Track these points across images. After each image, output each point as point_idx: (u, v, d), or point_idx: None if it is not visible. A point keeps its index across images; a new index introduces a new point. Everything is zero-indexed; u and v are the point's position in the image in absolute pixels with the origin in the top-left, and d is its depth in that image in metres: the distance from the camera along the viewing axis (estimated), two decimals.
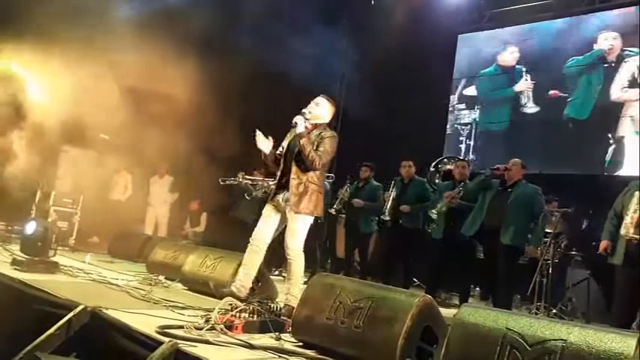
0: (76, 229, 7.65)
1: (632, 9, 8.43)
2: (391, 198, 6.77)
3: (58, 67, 6.63)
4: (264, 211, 4.24)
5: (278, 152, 4.25)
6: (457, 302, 6.33)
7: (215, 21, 7.76)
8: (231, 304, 3.37)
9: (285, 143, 4.23)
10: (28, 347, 2.97)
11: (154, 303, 3.88)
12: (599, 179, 7.89)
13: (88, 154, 8.47)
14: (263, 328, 3.25)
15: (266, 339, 3.13)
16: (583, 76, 8.89)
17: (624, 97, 8.36)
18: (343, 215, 7.68)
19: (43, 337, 3.02)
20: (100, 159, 8.41)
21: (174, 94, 7.50)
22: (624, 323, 4.16)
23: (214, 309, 3.27)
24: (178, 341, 2.70)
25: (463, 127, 10.32)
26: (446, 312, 3.26)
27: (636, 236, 4.09)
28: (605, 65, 8.69)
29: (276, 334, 3.20)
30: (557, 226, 6.04)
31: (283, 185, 4.12)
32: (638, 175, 6.06)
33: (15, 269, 4.51)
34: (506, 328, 2.34)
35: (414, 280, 7.56)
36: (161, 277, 5.15)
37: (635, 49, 8.28)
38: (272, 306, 3.74)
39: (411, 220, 6.73)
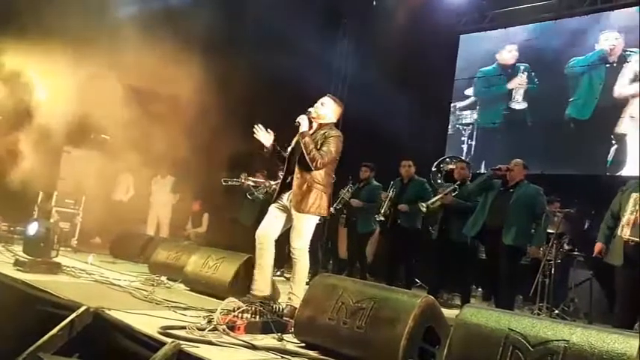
0: (78, 229, 7.66)
1: (634, 9, 8.42)
2: (388, 198, 6.77)
3: (60, 68, 6.64)
4: (269, 210, 4.24)
5: (285, 153, 4.26)
6: (459, 303, 6.32)
7: (218, 21, 7.77)
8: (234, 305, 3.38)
9: (293, 143, 4.23)
10: (31, 348, 2.98)
11: (157, 304, 3.88)
12: (601, 179, 7.88)
13: (90, 155, 8.48)
14: (265, 329, 3.25)
15: (268, 340, 3.13)
16: (585, 76, 8.89)
17: (625, 93, 8.37)
18: (344, 216, 7.69)
19: (45, 337, 3.02)
20: (102, 160, 8.42)
21: (177, 94, 7.52)
22: (627, 324, 4.15)
23: (216, 310, 3.27)
24: (181, 342, 2.70)
25: (465, 127, 10.33)
26: (448, 312, 3.26)
27: (634, 238, 4.06)
28: (607, 65, 8.69)
29: (279, 334, 3.20)
30: (559, 226, 6.03)
31: (288, 185, 4.13)
32: (638, 174, 6.06)
33: (17, 270, 4.52)
34: (509, 328, 2.34)
35: (417, 280, 7.56)
36: (163, 278, 5.15)
37: (637, 49, 8.28)
38: (274, 307, 3.74)
39: (410, 219, 6.72)
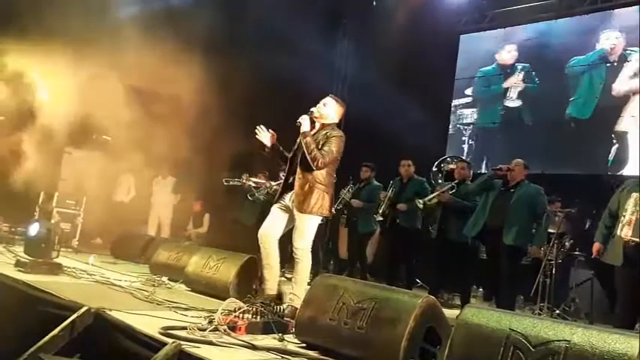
0: (79, 230, 7.66)
1: (634, 8, 8.42)
2: (387, 198, 6.77)
3: (62, 68, 6.65)
4: (271, 210, 4.25)
5: (288, 154, 4.27)
6: (460, 303, 6.32)
7: (219, 22, 7.77)
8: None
9: (296, 144, 4.24)
10: (32, 348, 2.98)
11: (158, 304, 3.88)
12: (602, 179, 7.87)
13: (91, 156, 8.48)
14: (266, 329, 3.25)
15: (269, 340, 3.13)
16: (585, 76, 8.89)
17: (623, 91, 8.37)
18: (345, 216, 7.70)
19: (46, 338, 3.03)
20: (104, 160, 8.42)
21: (178, 94, 7.52)
22: (627, 324, 4.14)
23: (217, 310, 3.27)
24: (182, 342, 2.70)
25: (465, 126, 10.33)
26: (449, 312, 3.26)
27: (635, 238, 4.04)
28: (608, 65, 8.69)
29: (280, 335, 3.20)
30: (560, 226, 6.03)
31: (290, 185, 4.13)
32: (639, 174, 6.06)
33: (19, 271, 4.52)
34: (510, 328, 2.34)
35: (417, 280, 7.56)
36: (164, 278, 5.15)
37: (637, 49, 8.28)
38: (275, 307, 3.74)
39: (409, 219, 6.71)
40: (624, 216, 4.15)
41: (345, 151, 4.14)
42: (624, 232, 4.10)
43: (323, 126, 4.15)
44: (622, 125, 8.30)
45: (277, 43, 8.63)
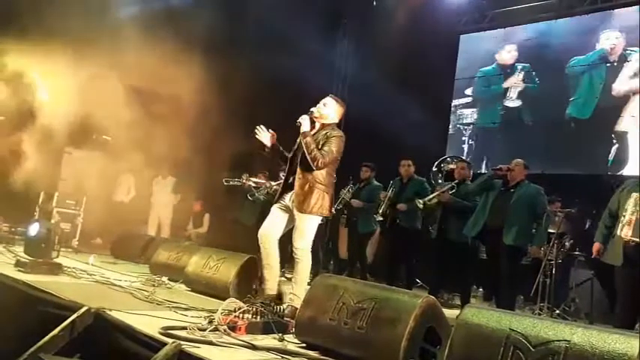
0: (79, 230, 7.66)
1: (635, 8, 8.42)
2: (387, 198, 6.77)
3: (62, 68, 6.64)
4: (271, 210, 4.25)
5: (288, 154, 4.27)
6: (460, 303, 6.32)
7: (219, 22, 7.77)
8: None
9: (296, 144, 4.24)
10: (32, 348, 2.98)
11: (158, 304, 3.88)
12: (602, 179, 7.87)
13: (91, 156, 8.48)
14: (266, 329, 3.25)
15: (269, 340, 3.13)
16: (585, 76, 8.89)
17: (622, 90, 8.38)
18: (345, 216, 7.70)
19: (46, 338, 3.03)
20: (104, 160, 8.42)
21: (178, 94, 7.52)
22: (627, 324, 4.14)
23: (217, 310, 3.27)
24: (182, 342, 2.70)
25: (465, 126, 10.33)
26: (449, 312, 3.26)
27: (635, 238, 4.03)
28: (608, 65, 8.69)
29: (280, 335, 3.20)
30: (560, 226, 6.03)
31: (290, 185, 4.14)
32: (639, 173, 6.05)
33: (19, 271, 4.52)
34: (510, 328, 2.34)
35: (417, 280, 7.56)
36: (164, 278, 5.15)
37: (637, 48, 8.28)
38: (275, 307, 3.74)
39: (409, 219, 6.71)
40: (624, 216, 4.14)
41: (345, 151, 4.14)
42: (624, 232, 4.09)
43: (323, 126, 4.15)
44: (622, 125, 8.30)
45: (277, 43, 8.64)
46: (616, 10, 8.80)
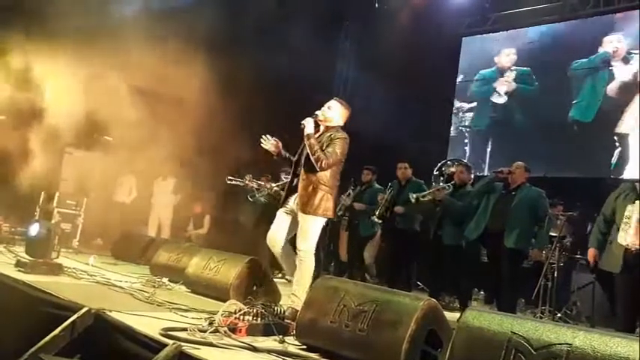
0: (79, 230, 7.66)
1: (637, 12, 8.42)
2: (385, 200, 6.76)
3: (65, 68, 6.65)
4: (277, 215, 4.27)
5: (293, 158, 4.29)
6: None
7: (221, 23, 7.77)
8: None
9: (301, 147, 4.25)
10: (33, 349, 2.98)
11: (158, 305, 3.88)
12: (604, 182, 7.85)
13: (92, 156, 8.48)
14: (267, 331, 3.24)
15: (270, 342, 3.12)
16: (588, 79, 8.88)
17: (616, 92, 8.41)
18: (346, 218, 7.69)
19: (47, 338, 3.03)
20: (104, 161, 8.42)
21: (180, 95, 7.52)
22: (628, 328, 4.12)
23: (218, 311, 3.27)
24: (182, 344, 2.70)
25: (467, 129, 10.33)
26: (450, 315, 3.25)
27: (637, 246, 3.98)
28: (611, 68, 8.68)
29: (280, 337, 3.19)
30: (562, 229, 6.02)
31: (294, 188, 4.14)
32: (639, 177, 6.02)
33: (19, 271, 4.52)
34: (511, 331, 2.33)
35: (418, 283, 7.55)
36: (164, 280, 5.13)
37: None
38: (276, 309, 3.73)
39: (407, 221, 6.70)
40: (626, 223, 4.08)
41: (347, 153, 4.14)
42: (629, 240, 4.03)
43: (327, 129, 4.16)
44: (623, 128, 8.30)
45: (279, 44, 8.64)
46: (618, 14, 8.80)
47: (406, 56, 9.74)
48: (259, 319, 3.32)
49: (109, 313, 3.18)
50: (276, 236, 4.17)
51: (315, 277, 4.10)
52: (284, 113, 5.54)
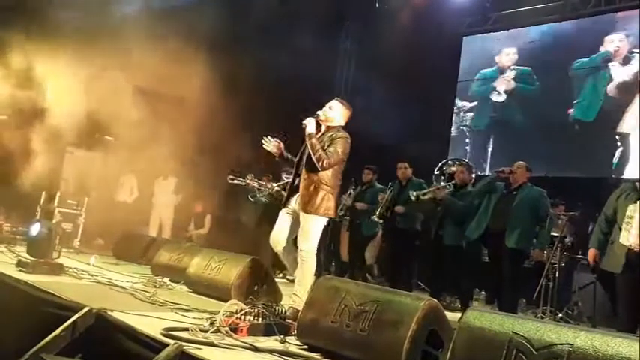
0: (80, 230, 7.66)
1: (638, 11, 8.41)
2: (385, 200, 6.75)
3: (66, 68, 6.65)
4: (279, 215, 4.27)
5: (295, 159, 4.29)
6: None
7: (222, 22, 7.77)
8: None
9: (302, 148, 4.25)
10: (34, 348, 2.98)
11: (159, 305, 3.88)
12: (605, 182, 7.85)
13: (93, 156, 8.48)
14: (268, 331, 3.25)
15: (271, 342, 3.12)
16: (589, 78, 8.88)
17: (616, 92, 8.41)
18: (347, 218, 7.69)
19: (48, 338, 3.03)
20: (106, 160, 8.42)
21: (181, 95, 7.52)
22: (630, 328, 4.11)
23: (219, 311, 3.27)
24: (183, 343, 2.70)
25: (468, 129, 10.33)
26: (451, 315, 3.25)
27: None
28: (612, 67, 8.67)
29: (281, 336, 3.19)
30: (563, 229, 6.01)
31: (296, 189, 4.14)
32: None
33: (20, 271, 4.53)
34: (513, 331, 2.33)
35: (419, 283, 7.54)
36: (166, 279, 5.14)
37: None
38: (277, 308, 3.73)
39: (408, 221, 6.69)
40: (628, 223, 4.07)
41: (348, 153, 4.14)
42: (632, 240, 4.01)
43: (329, 129, 4.16)
44: (624, 127, 8.29)
45: (280, 44, 8.64)
46: (620, 13, 8.80)
47: (407, 56, 9.73)
48: (260, 318, 3.32)
49: (110, 312, 3.18)
50: (278, 236, 4.17)
51: (317, 277, 4.11)
52: (285, 113, 5.54)
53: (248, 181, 7.57)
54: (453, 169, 7.50)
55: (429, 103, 9.54)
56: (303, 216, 4.00)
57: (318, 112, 4.14)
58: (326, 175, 4.03)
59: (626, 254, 4.04)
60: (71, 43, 6.42)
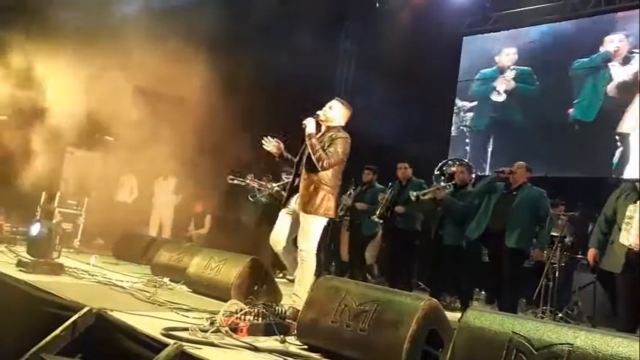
0: (80, 230, 7.66)
1: (638, 11, 8.41)
2: (385, 200, 6.76)
3: (66, 68, 6.65)
4: (279, 216, 4.27)
5: (295, 159, 4.30)
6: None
7: (221, 23, 7.77)
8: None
9: (302, 148, 4.26)
10: (34, 348, 2.98)
11: (159, 305, 3.88)
12: (605, 182, 7.84)
13: (93, 156, 8.48)
14: (268, 331, 3.25)
15: (271, 342, 3.12)
16: (589, 78, 8.88)
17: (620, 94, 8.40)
18: (347, 218, 7.69)
19: (48, 338, 3.03)
20: (106, 160, 8.41)
21: (180, 95, 7.52)
22: (630, 328, 4.11)
23: (219, 311, 3.27)
24: (183, 343, 2.70)
25: (468, 129, 10.33)
26: (451, 315, 3.25)
27: None
28: (612, 67, 8.67)
29: (281, 336, 3.19)
30: (563, 229, 6.01)
31: (296, 189, 4.14)
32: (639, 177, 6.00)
33: (20, 271, 4.53)
34: (513, 331, 2.33)
35: (419, 283, 7.54)
36: (166, 279, 5.14)
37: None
38: (277, 308, 3.73)
39: (408, 221, 6.69)
40: (628, 223, 4.06)
41: (348, 153, 4.14)
42: (632, 240, 3.99)
43: (329, 129, 4.16)
44: (625, 127, 8.29)
45: (279, 44, 8.64)
46: (620, 13, 8.80)
47: (407, 56, 9.73)
48: (260, 318, 3.32)
49: (110, 312, 3.18)
50: (278, 237, 4.18)
51: (316, 277, 4.11)
52: (285, 113, 5.54)
53: (248, 181, 7.57)
54: (453, 169, 7.49)
55: (429, 103, 9.54)
56: (303, 216, 4.00)
57: (318, 112, 4.15)
58: (326, 175, 4.03)
59: (626, 254, 4.04)
60: (71, 43, 6.42)
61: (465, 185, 6.33)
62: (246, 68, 8.54)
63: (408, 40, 9.87)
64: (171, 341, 2.70)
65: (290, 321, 3.50)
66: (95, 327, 3.14)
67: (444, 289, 6.57)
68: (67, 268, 4.87)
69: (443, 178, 7.54)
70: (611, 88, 8.58)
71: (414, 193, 6.29)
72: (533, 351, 2.23)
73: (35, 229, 5.09)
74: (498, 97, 9.93)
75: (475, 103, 10.31)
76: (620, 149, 8.27)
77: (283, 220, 4.21)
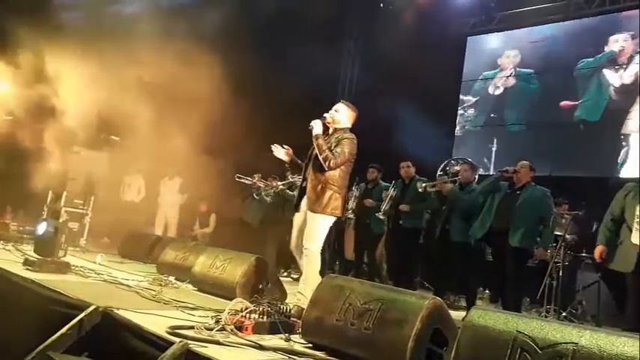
0: (87, 229, 7.70)
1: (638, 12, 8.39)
2: (389, 197, 6.75)
3: (72, 68, 6.67)
4: (293, 221, 4.31)
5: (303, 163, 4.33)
6: (465, 304, 6.29)
7: (228, 23, 7.79)
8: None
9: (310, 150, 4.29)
10: (40, 347, 3.00)
11: (165, 303, 3.90)
12: (609, 181, 7.82)
13: (99, 156, 8.51)
14: (273, 329, 3.26)
15: (276, 340, 3.14)
16: (594, 78, 8.86)
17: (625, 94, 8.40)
18: (351, 217, 7.68)
19: (54, 336, 3.05)
20: (112, 160, 8.44)
21: (187, 95, 7.53)
22: (638, 327, 4.09)
23: (224, 310, 3.29)
24: (189, 341, 2.71)
25: (472, 128, 10.32)
26: (455, 314, 3.26)
27: None
28: (617, 67, 8.65)
29: (286, 335, 3.21)
30: (567, 229, 6.00)
31: (305, 190, 4.18)
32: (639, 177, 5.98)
33: (27, 269, 4.55)
34: (517, 330, 2.33)
35: (424, 282, 7.54)
36: (171, 278, 5.17)
37: None
38: (282, 307, 3.75)
39: (411, 219, 6.69)
40: (639, 223, 4.05)
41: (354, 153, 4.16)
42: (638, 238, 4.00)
43: (335, 130, 4.21)
44: (629, 127, 8.27)
45: (282, 44, 8.65)
46: (624, 13, 8.77)
47: (411, 56, 9.73)
48: (265, 317, 3.33)
49: (116, 311, 3.20)
50: (298, 243, 4.21)
51: (321, 275, 4.13)
52: (290, 113, 5.55)
53: (255, 181, 7.59)
54: (457, 168, 7.49)
55: (433, 102, 9.54)
56: (309, 215, 4.03)
57: (325, 115, 4.20)
58: (333, 175, 4.07)
59: (639, 254, 4.02)
60: (80, 42, 6.44)
61: (469, 184, 6.33)
62: (253, 69, 8.56)
63: (412, 40, 9.87)
64: (177, 339, 2.72)
65: (295, 319, 3.52)
66: (101, 325, 3.16)
67: (450, 288, 6.56)
68: (73, 267, 4.90)
69: (446, 177, 7.54)
70: (618, 88, 8.54)
71: (422, 184, 6.31)
72: (538, 350, 2.24)
73: (42, 228, 5.12)
74: (501, 97, 9.91)
75: (479, 102, 10.29)
76: (625, 149, 8.25)
77: (297, 225, 4.25)
